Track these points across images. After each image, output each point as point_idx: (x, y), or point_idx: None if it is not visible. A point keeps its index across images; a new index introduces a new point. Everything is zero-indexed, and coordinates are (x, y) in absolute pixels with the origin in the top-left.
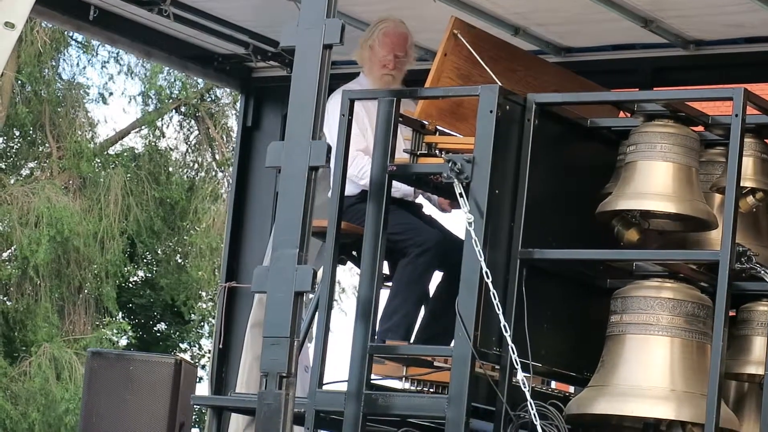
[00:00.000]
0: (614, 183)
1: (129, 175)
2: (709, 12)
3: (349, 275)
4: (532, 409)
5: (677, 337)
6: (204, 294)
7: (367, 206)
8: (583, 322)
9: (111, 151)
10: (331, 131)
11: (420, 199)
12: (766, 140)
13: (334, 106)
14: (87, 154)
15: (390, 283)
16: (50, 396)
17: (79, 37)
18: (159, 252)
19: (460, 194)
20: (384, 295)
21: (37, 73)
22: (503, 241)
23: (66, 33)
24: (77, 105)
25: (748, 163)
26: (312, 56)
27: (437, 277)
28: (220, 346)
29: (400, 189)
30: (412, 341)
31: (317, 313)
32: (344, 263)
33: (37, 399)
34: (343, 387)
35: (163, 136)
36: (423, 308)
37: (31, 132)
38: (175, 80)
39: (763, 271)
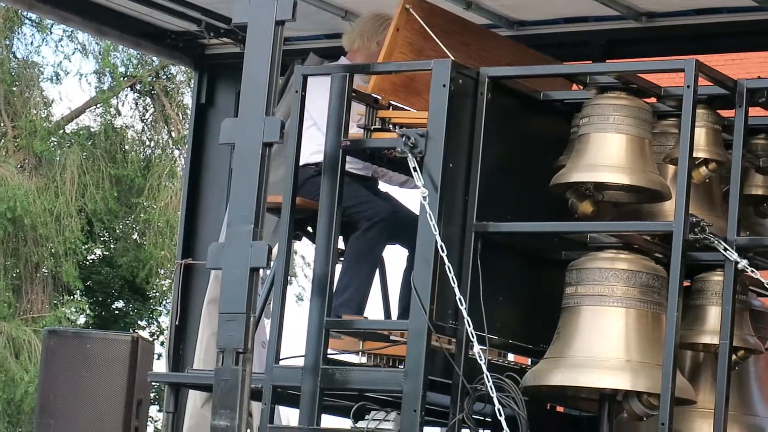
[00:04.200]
0: (568, 155)
1: (85, 153)
2: None
3: (312, 250)
4: (489, 382)
5: (632, 307)
6: (162, 271)
7: (322, 181)
8: (538, 295)
9: (67, 130)
10: (314, 107)
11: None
12: (718, 111)
13: (315, 83)
14: (42, 133)
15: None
16: (9, 374)
17: (34, 16)
18: (117, 230)
19: (414, 168)
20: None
21: None
22: (458, 215)
23: (19, 12)
24: (32, 84)
25: (701, 134)
26: (264, 33)
27: (395, 252)
28: (177, 322)
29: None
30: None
31: (273, 288)
32: (299, 239)
33: None
34: (300, 362)
35: (119, 114)
36: (381, 284)
37: None
38: (129, 58)
39: (716, 242)
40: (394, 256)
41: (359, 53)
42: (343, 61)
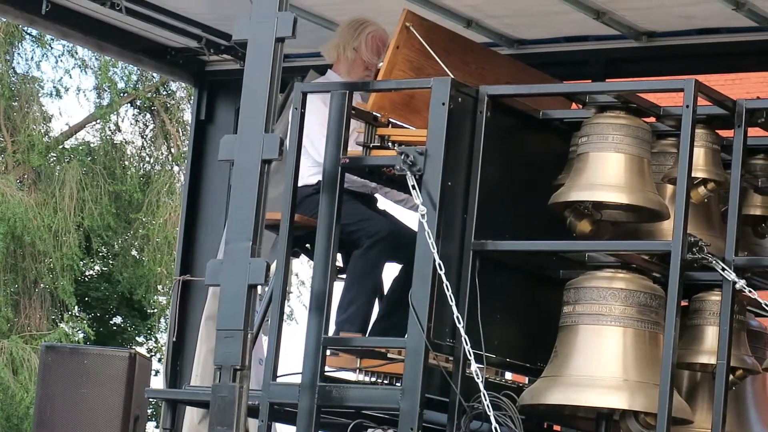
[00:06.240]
0: (567, 174)
1: (84, 169)
2: (661, 3)
3: (307, 267)
4: (486, 400)
5: (630, 327)
6: (160, 287)
7: (320, 198)
8: (536, 313)
9: (66, 145)
10: (309, 124)
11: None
12: (717, 131)
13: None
14: (39, 148)
15: (343, 276)
16: (9, 392)
17: (34, 31)
18: (115, 246)
19: (413, 186)
20: (337, 287)
21: None
22: (456, 233)
23: (20, 27)
24: (32, 99)
25: (700, 154)
26: (264, 49)
27: (393, 269)
28: (174, 339)
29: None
30: (367, 334)
31: (271, 305)
32: (297, 256)
33: None
34: (297, 379)
35: (119, 130)
36: (377, 300)
37: None
38: (130, 74)
39: (714, 261)
40: (392, 274)
41: (340, 64)
42: (329, 74)
